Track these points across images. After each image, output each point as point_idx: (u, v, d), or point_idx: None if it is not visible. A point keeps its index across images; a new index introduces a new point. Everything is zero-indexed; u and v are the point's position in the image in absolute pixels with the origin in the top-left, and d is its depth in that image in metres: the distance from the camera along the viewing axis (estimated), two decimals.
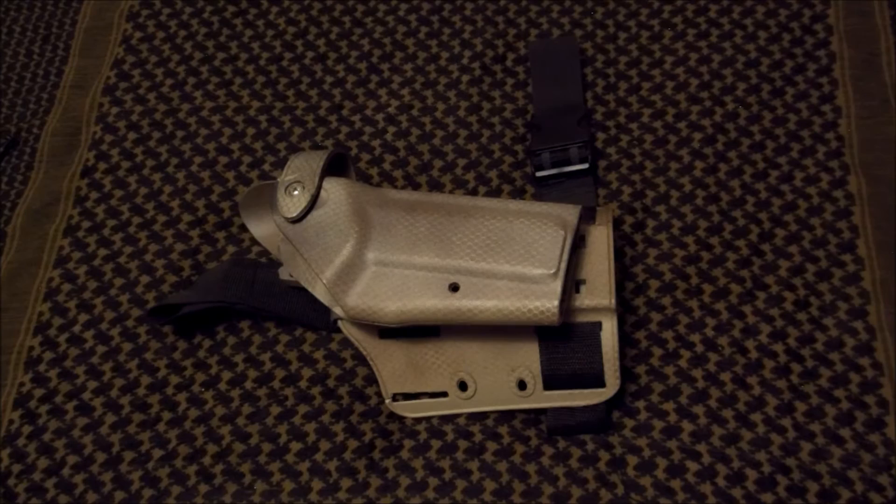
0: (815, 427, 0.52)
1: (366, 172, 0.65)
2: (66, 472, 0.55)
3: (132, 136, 0.68)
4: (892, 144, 0.61)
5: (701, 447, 0.52)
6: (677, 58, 0.67)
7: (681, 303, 0.57)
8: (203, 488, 0.53)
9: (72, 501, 0.54)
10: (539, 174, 0.61)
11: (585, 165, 0.61)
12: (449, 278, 0.51)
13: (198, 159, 0.66)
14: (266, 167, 0.66)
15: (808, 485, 0.51)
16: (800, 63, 0.65)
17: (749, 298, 0.57)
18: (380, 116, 0.67)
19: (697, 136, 0.63)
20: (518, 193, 0.63)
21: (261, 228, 0.57)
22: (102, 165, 0.67)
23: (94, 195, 0.66)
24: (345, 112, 0.68)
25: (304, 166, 0.54)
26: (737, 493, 0.51)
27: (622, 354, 0.55)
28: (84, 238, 0.64)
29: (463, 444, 0.54)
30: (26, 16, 0.81)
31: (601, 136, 0.64)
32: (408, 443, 0.54)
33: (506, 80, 0.68)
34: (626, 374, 0.55)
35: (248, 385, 0.57)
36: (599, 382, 0.52)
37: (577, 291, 0.51)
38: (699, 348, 0.55)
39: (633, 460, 0.52)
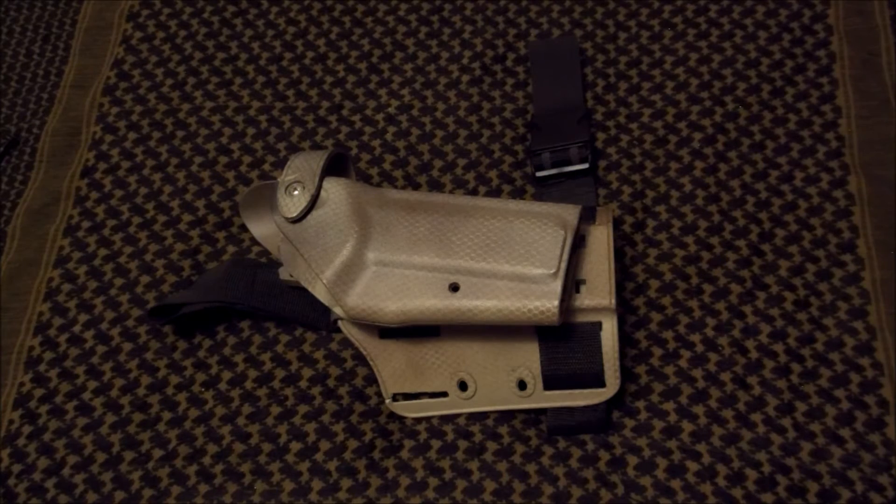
0: (815, 427, 0.52)
1: (366, 172, 0.65)
2: (66, 472, 0.55)
3: (132, 136, 0.68)
4: (892, 144, 0.61)
5: (701, 447, 0.52)
6: (677, 58, 0.67)
7: (681, 303, 0.57)
8: (203, 488, 0.53)
9: (72, 501, 0.54)
10: (539, 174, 0.61)
11: (585, 165, 0.61)
12: (449, 278, 0.51)
13: (198, 159, 0.66)
14: (266, 167, 0.66)
15: (809, 485, 0.51)
16: (800, 63, 0.65)
17: (749, 298, 0.57)
18: (380, 116, 0.67)
19: (697, 136, 0.63)
20: (518, 193, 0.63)
21: (261, 228, 0.57)
22: (102, 165, 0.67)
23: (94, 195, 0.66)
24: (345, 112, 0.68)
25: (304, 166, 0.54)
26: (737, 493, 0.51)
27: (622, 354, 0.55)
28: (84, 238, 0.64)
29: (463, 444, 0.54)
30: (26, 16, 0.81)
31: (601, 136, 0.64)
32: (408, 443, 0.54)
33: (506, 80, 0.68)
34: (626, 374, 0.55)
35: (248, 385, 0.57)
36: (599, 382, 0.52)
37: (578, 291, 0.51)
38: (699, 348, 0.55)
39: (633, 460, 0.52)
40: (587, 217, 0.54)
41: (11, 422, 0.57)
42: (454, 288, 0.50)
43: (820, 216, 0.59)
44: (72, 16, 0.80)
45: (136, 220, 0.64)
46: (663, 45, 0.68)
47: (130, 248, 0.63)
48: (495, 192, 0.63)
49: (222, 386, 0.57)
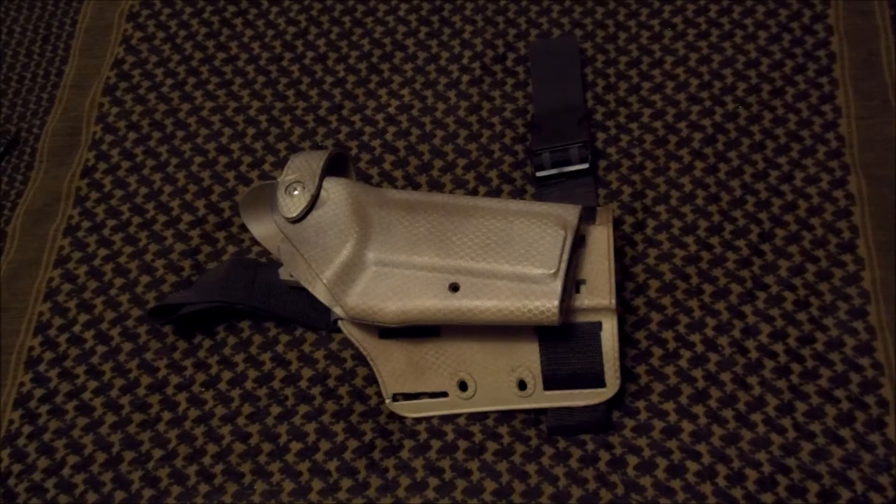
0: (815, 427, 0.52)
1: (366, 172, 0.65)
2: (66, 472, 0.55)
3: (132, 136, 0.68)
4: (892, 144, 0.61)
5: (701, 447, 0.52)
6: (677, 58, 0.67)
7: (681, 303, 0.57)
8: (203, 488, 0.53)
9: (72, 501, 0.54)
10: (539, 174, 0.61)
11: (585, 165, 0.61)
12: (449, 278, 0.51)
13: (198, 159, 0.66)
14: (266, 167, 0.66)
15: (809, 485, 0.51)
16: (800, 63, 0.65)
17: (749, 298, 0.57)
18: (380, 116, 0.67)
19: (697, 136, 0.63)
20: (518, 193, 0.63)
21: (261, 228, 0.57)
22: (102, 165, 0.67)
23: (94, 195, 0.66)
24: (345, 112, 0.68)
25: (304, 166, 0.54)
26: (737, 493, 0.51)
27: (622, 354, 0.55)
28: (84, 238, 0.64)
29: (463, 444, 0.54)
30: (26, 16, 0.81)
31: (601, 136, 0.64)
32: (408, 443, 0.54)
33: (506, 80, 0.68)
34: (626, 374, 0.55)
35: (248, 385, 0.57)
36: (599, 382, 0.52)
37: (578, 291, 0.51)
38: (699, 348, 0.55)
39: (633, 460, 0.52)
40: (587, 217, 0.54)
41: (11, 422, 0.57)
42: (454, 288, 0.50)
43: (820, 216, 0.59)
44: (72, 16, 0.80)
45: (136, 220, 0.64)
46: (663, 45, 0.68)
47: (130, 248, 0.63)
48: (495, 192, 0.63)
49: (222, 386, 0.57)
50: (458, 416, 0.54)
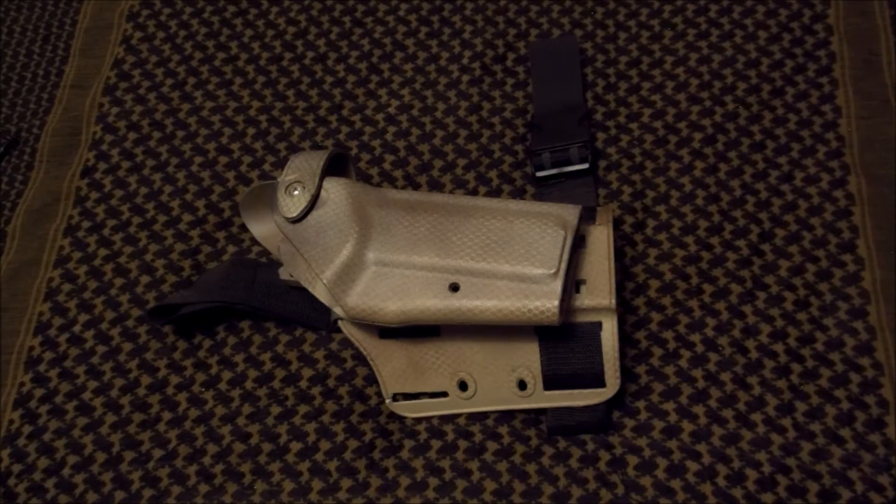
0: (815, 427, 0.52)
1: (366, 172, 0.65)
2: (66, 472, 0.55)
3: (132, 136, 0.68)
4: (892, 144, 0.61)
5: (701, 447, 0.52)
6: (677, 58, 0.67)
7: (681, 303, 0.57)
8: (203, 488, 0.53)
9: (72, 501, 0.54)
10: (539, 174, 0.61)
11: (585, 165, 0.61)
12: (449, 278, 0.51)
13: (198, 159, 0.66)
14: (266, 167, 0.66)
15: (809, 485, 0.51)
16: (800, 63, 0.65)
17: (749, 298, 0.57)
18: (380, 116, 0.67)
19: (697, 136, 0.63)
20: (518, 193, 0.63)
21: (261, 228, 0.57)
22: (102, 165, 0.67)
23: (94, 195, 0.66)
24: (345, 112, 0.68)
25: (304, 166, 0.54)
26: (737, 493, 0.51)
27: (622, 354, 0.55)
28: (84, 238, 0.64)
29: (463, 444, 0.54)
30: (26, 16, 0.81)
31: (601, 136, 0.64)
32: (408, 443, 0.54)
33: (506, 80, 0.68)
34: (627, 374, 0.55)
35: (248, 385, 0.57)
36: (600, 382, 0.52)
37: (578, 291, 0.51)
38: (699, 348, 0.55)
39: (633, 460, 0.52)
40: (587, 217, 0.54)
41: (11, 422, 0.57)
42: (454, 288, 0.50)
43: (820, 216, 0.59)
44: (72, 16, 0.80)
45: (136, 220, 0.64)
46: (663, 45, 0.68)
47: (130, 248, 0.63)
48: (495, 192, 0.63)
49: (222, 386, 0.57)
50: (458, 416, 0.54)
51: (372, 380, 0.56)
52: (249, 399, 0.56)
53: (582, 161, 0.61)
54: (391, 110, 0.67)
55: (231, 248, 0.62)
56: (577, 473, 0.52)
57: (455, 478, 0.52)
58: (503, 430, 0.54)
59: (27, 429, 0.57)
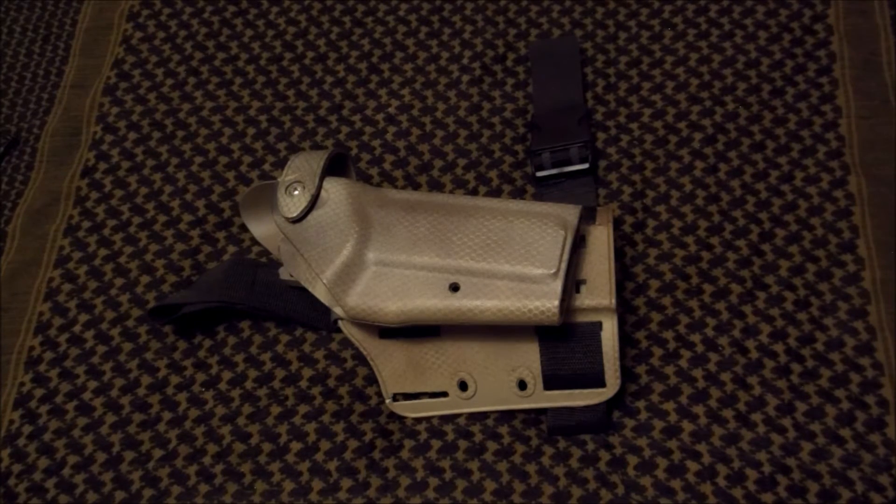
0: (815, 427, 0.52)
1: (366, 172, 0.65)
2: (66, 472, 0.55)
3: (132, 136, 0.68)
4: (892, 144, 0.61)
5: (701, 447, 0.52)
6: (677, 58, 0.67)
7: (681, 303, 0.57)
8: (203, 488, 0.53)
9: (72, 501, 0.54)
10: (539, 174, 0.61)
11: (586, 165, 0.61)
12: (449, 278, 0.50)
13: (198, 159, 0.66)
14: (266, 167, 0.66)
15: (809, 485, 0.51)
16: (800, 63, 0.65)
17: (749, 298, 0.57)
18: (380, 116, 0.67)
19: (698, 136, 0.63)
20: (518, 193, 0.63)
21: (261, 228, 0.57)
22: (102, 165, 0.67)
23: (94, 195, 0.66)
24: (345, 112, 0.68)
25: (304, 166, 0.54)
26: (737, 493, 0.51)
27: (622, 354, 0.55)
28: (84, 238, 0.64)
29: (463, 444, 0.54)
30: (26, 16, 0.81)
31: (601, 136, 0.64)
32: (408, 443, 0.54)
33: (506, 80, 0.68)
34: (627, 374, 0.55)
35: (249, 385, 0.57)
36: (600, 382, 0.52)
37: (578, 291, 0.51)
38: (699, 348, 0.55)
39: (633, 460, 0.52)
40: (587, 217, 0.54)
41: (11, 422, 0.57)
42: (454, 288, 0.50)
43: (820, 216, 0.59)
44: (72, 16, 0.80)
45: (136, 220, 0.64)
46: (663, 45, 0.68)
47: (130, 248, 0.63)
48: (495, 192, 0.63)
49: (222, 386, 0.57)
50: (458, 416, 0.54)
51: (372, 380, 0.56)
52: (249, 399, 0.56)
53: (582, 161, 0.61)
54: (391, 110, 0.67)
55: (231, 248, 0.62)
56: (577, 473, 0.52)
57: (455, 478, 0.52)
58: (503, 430, 0.54)
59: (27, 429, 0.57)
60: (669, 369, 0.55)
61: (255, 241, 0.62)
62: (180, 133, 0.68)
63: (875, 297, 0.56)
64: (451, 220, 0.52)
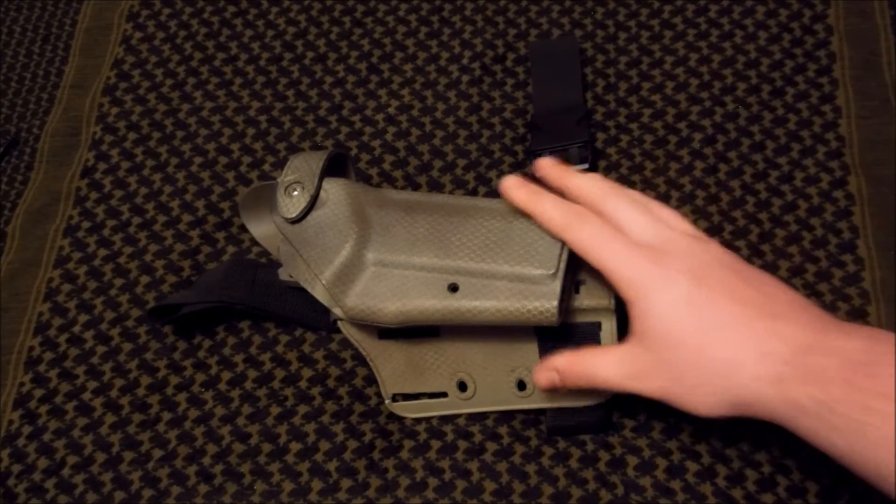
0: None
1: (366, 172, 0.65)
2: (66, 472, 0.55)
3: (132, 136, 0.68)
4: (892, 144, 0.61)
5: (701, 447, 0.52)
6: (677, 58, 0.67)
7: None
8: (203, 488, 0.53)
9: (72, 501, 0.54)
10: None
11: (585, 166, 0.61)
12: (448, 279, 0.50)
13: (198, 159, 0.66)
14: (266, 167, 0.66)
15: (808, 485, 0.51)
16: (800, 63, 0.65)
17: None
18: (380, 116, 0.67)
19: (697, 136, 0.63)
20: None
21: (260, 228, 0.57)
22: (102, 165, 0.67)
23: (94, 195, 0.66)
24: (345, 112, 0.68)
25: (303, 167, 0.54)
26: (737, 493, 0.51)
27: None
28: (84, 238, 0.64)
29: (463, 444, 0.54)
30: (26, 16, 0.81)
31: (601, 136, 0.64)
32: (407, 443, 0.54)
33: (506, 81, 0.68)
34: None
35: (248, 385, 0.57)
36: None
37: (577, 292, 0.51)
38: None
39: (633, 460, 0.52)
40: None
41: (11, 422, 0.57)
42: (453, 288, 0.50)
43: (820, 216, 0.59)
44: (72, 16, 0.80)
45: (136, 220, 0.64)
46: (663, 45, 0.68)
47: (130, 248, 0.63)
48: (495, 193, 0.63)
49: (222, 386, 0.57)
50: (458, 416, 0.54)
51: (371, 380, 0.56)
52: (249, 399, 0.56)
53: (582, 161, 0.61)
54: (391, 110, 0.67)
55: (231, 249, 0.62)
56: (577, 474, 0.52)
57: (455, 478, 0.52)
58: (503, 430, 0.54)
59: (27, 429, 0.57)
60: None
61: (254, 242, 0.62)
62: (180, 133, 0.68)
63: (875, 297, 0.56)
64: (450, 221, 0.52)
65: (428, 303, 0.50)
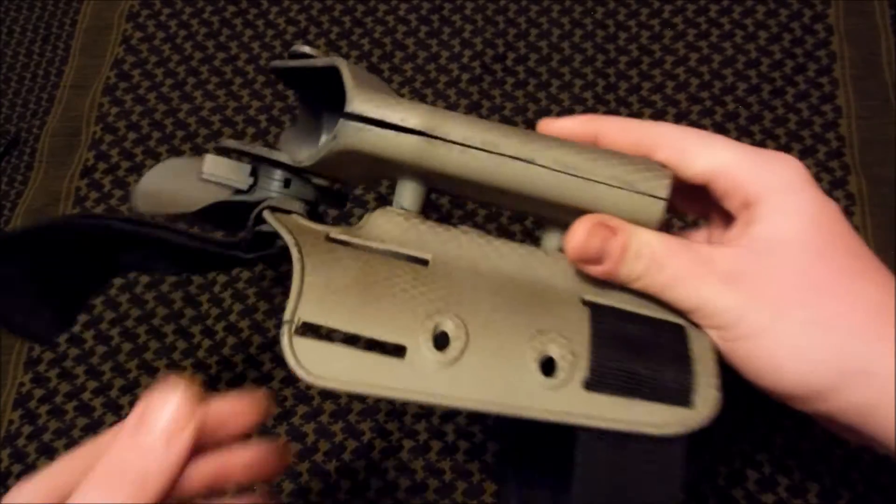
0: (816, 427, 0.52)
1: None
2: None
3: (132, 136, 0.68)
4: (892, 144, 0.61)
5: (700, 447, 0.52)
6: (678, 58, 0.67)
7: None
8: None
9: None
10: None
11: None
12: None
13: None
14: None
15: (809, 485, 0.51)
16: (800, 63, 0.65)
17: None
18: None
19: None
20: None
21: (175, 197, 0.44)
22: (102, 165, 0.67)
23: (93, 195, 0.66)
24: None
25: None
26: (737, 493, 0.51)
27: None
28: None
29: (463, 444, 0.54)
30: (26, 16, 0.81)
31: None
32: (407, 443, 0.54)
33: (506, 80, 0.68)
34: None
35: (248, 385, 0.57)
36: (683, 398, 0.32)
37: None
38: None
39: None
40: None
41: (11, 422, 0.57)
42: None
43: None
44: (72, 16, 0.80)
45: None
46: (663, 45, 0.68)
47: None
48: None
49: (222, 386, 0.57)
50: (458, 414, 0.54)
51: None
52: None
53: None
54: None
55: None
56: None
57: (455, 479, 0.52)
58: None
59: (27, 429, 0.57)
60: None
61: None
62: (180, 133, 0.68)
63: None
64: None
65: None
